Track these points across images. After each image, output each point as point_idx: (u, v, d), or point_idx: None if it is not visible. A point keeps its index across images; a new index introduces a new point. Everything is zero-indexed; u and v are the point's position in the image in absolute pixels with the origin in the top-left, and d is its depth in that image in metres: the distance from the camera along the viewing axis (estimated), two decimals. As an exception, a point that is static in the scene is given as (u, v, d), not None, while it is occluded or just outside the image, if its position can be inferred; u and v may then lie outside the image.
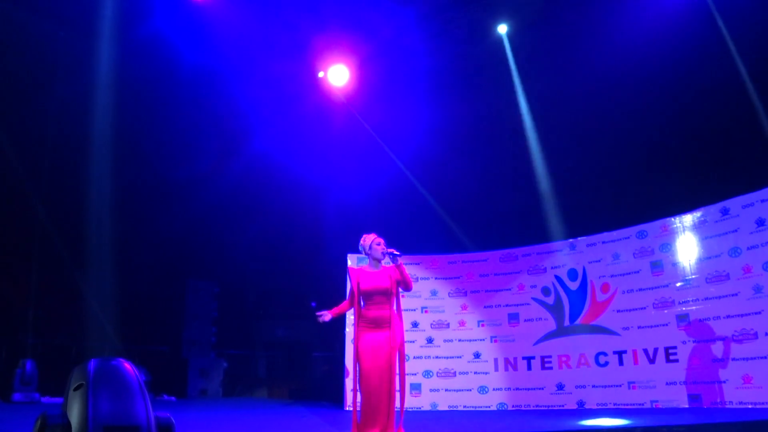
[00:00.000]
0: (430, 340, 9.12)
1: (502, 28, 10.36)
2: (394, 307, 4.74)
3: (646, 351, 7.75)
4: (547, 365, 8.57)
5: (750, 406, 6.58)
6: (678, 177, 8.66)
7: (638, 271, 8.06)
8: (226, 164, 11.62)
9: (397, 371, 4.65)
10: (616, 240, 8.39)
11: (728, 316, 7.01)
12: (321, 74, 11.00)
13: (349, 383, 8.23)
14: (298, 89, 11.22)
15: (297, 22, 9.84)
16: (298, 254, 12.08)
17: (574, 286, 8.62)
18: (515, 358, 8.79)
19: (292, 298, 12.70)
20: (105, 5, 9.41)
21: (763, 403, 6.49)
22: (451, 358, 9.01)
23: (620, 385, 7.88)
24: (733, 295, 7.03)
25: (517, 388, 8.66)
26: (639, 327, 7.88)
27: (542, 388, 8.49)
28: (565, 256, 8.80)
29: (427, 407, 8.77)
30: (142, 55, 10.04)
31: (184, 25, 9.72)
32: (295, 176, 11.55)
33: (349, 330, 8.57)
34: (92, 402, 2.54)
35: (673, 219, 7.88)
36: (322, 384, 11.58)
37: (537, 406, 8.41)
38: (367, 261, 4.96)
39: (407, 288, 4.87)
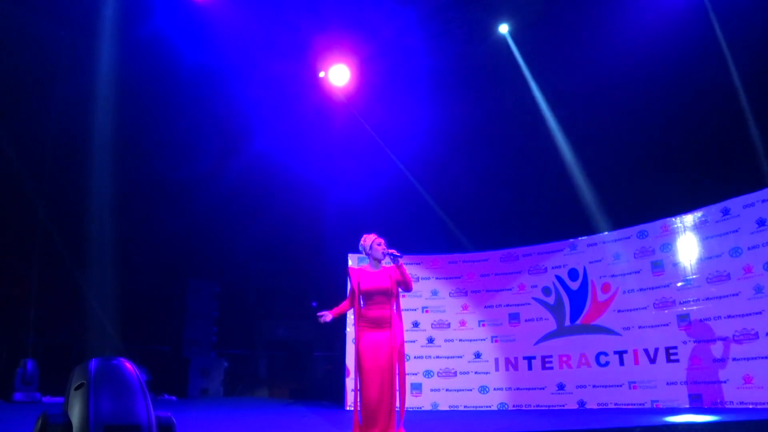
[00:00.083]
0: (430, 340, 9.12)
1: (503, 28, 10.36)
2: (394, 307, 4.75)
3: (646, 351, 7.75)
4: (547, 365, 8.57)
5: (751, 406, 6.58)
6: (679, 177, 8.66)
7: (639, 271, 8.06)
8: (227, 164, 11.62)
9: (397, 371, 4.65)
10: (617, 240, 8.39)
11: (729, 316, 7.01)
12: (322, 74, 11.00)
13: (349, 383, 8.24)
14: (299, 89, 11.23)
15: (298, 22, 9.84)
16: (299, 254, 12.09)
17: (574, 286, 8.62)
18: (516, 358, 8.79)
19: (292, 298, 12.70)
20: (106, 5, 9.42)
21: (763, 403, 6.49)
22: (451, 357, 9.01)
23: (621, 385, 7.88)
24: (733, 295, 7.03)
25: (518, 388, 8.66)
26: (640, 327, 7.88)
27: (543, 388, 8.50)
28: (565, 256, 8.80)
29: (427, 407, 8.78)
30: (142, 54, 10.04)
31: (184, 25, 9.72)
32: (296, 176, 11.55)
33: (350, 330, 8.58)
34: (93, 401, 2.54)
35: (673, 219, 7.88)
36: (322, 384, 11.58)
37: (538, 406, 8.41)
38: (367, 261, 4.97)
39: (407, 288, 4.88)
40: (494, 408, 8.62)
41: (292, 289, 12.62)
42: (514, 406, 8.58)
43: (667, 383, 7.46)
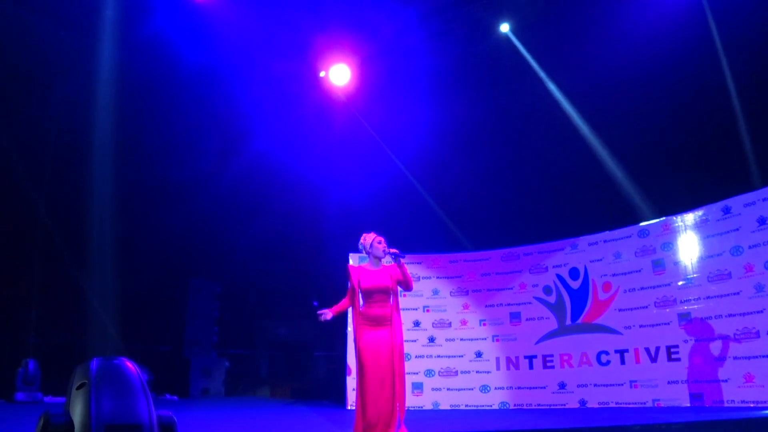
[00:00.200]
0: (431, 339, 9.12)
1: (504, 27, 10.35)
2: (394, 306, 4.78)
3: (647, 350, 7.75)
4: (548, 364, 8.57)
5: (752, 405, 6.58)
6: (679, 175, 8.66)
7: (640, 270, 8.06)
8: (228, 164, 11.64)
9: (397, 370, 4.66)
10: (618, 239, 8.38)
11: (730, 315, 7.01)
12: (322, 74, 11.00)
13: (350, 382, 8.25)
14: (300, 89, 11.23)
15: (298, 22, 9.84)
16: (300, 254, 12.09)
17: (575, 285, 8.62)
18: (517, 357, 8.79)
19: (293, 298, 12.70)
20: (106, 5, 9.43)
21: (764, 402, 6.49)
22: (452, 357, 9.01)
23: (622, 384, 7.88)
24: (734, 293, 7.02)
25: (519, 387, 8.66)
26: (641, 326, 7.87)
27: (544, 387, 8.50)
28: (566, 255, 8.80)
29: (429, 406, 8.78)
30: (143, 55, 10.06)
31: (185, 25, 9.73)
32: (297, 176, 11.56)
33: (351, 329, 8.58)
34: (95, 401, 2.55)
35: (674, 218, 7.87)
36: (324, 383, 11.60)
37: (539, 405, 8.41)
38: (367, 260, 4.99)
39: (408, 288, 4.90)
40: (495, 407, 8.62)
41: (293, 288, 12.61)
42: (515, 405, 8.58)
43: (668, 382, 7.46)
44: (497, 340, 8.96)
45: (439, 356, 9.04)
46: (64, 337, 10.13)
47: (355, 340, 4.80)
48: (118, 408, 2.57)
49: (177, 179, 11.10)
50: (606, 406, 7.90)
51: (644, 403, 7.59)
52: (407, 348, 8.07)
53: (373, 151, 11.33)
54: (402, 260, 4.78)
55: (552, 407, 8.27)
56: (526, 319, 8.87)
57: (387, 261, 4.94)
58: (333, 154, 11.58)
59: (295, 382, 12.43)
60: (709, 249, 7.41)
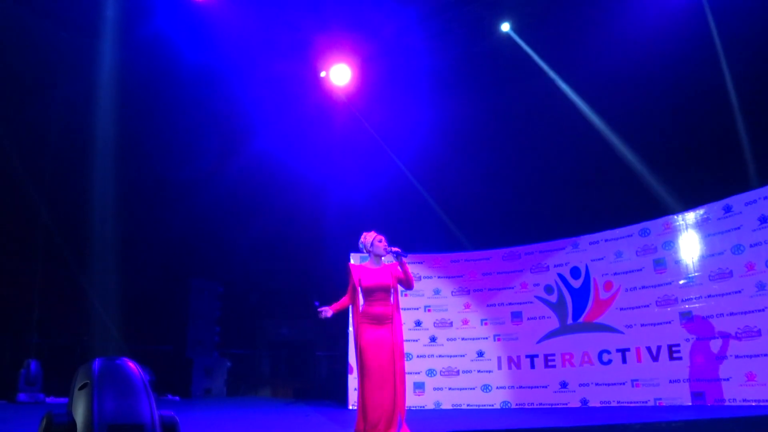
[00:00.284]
0: (433, 339, 9.13)
1: (505, 27, 10.35)
2: (395, 304, 4.80)
3: (649, 349, 7.75)
4: (550, 363, 8.57)
5: (753, 404, 6.58)
6: (680, 174, 8.65)
7: (641, 269, 8.06)
8: (229, 164, 11.64)
9: (398, 368, 4.68)
10: (619, 238, 8.38)
11: (731, 314, 7.01)
12: (323, 74, 11.00)
13: (352, 381, 8.25)
14: (300, 89, 11.23)
15: (299, 22, 9.85)
16: (301, 253, 12.09)
17: (576, 284, 8.62)
18: (518, 357, 8.80)
19: (295, 298, 12.69)
20: (107, 6, 9.43)
21: (766, 401, 6.49)
22: (454, 356, 9.02)
23: (624, 383, 7.88)
24: (736, 292, 7.02)
25: (521, 387, 8.67)
26: (642, 325, 7.88)
27: (546, 387, 8.50)
28: (567, 254, 8.80)
29: (430, 406, 8.78)
30: (144, 55, 10.06)
31: (185, 25, 9.74)
32: (298, 176, 11.56)
33: (352, 329, 8.59)
34: (97, 401, 2.55)
35: (675, 216, 7.88)
36: (326, 383, 11.60)
37: (540, 404, 8.41)
38: (368, 259, 5.01)
39: (409, 286, 4.92)
40: (497, 407, 8.62)
41: (294, 288, 12.61)
42: (516, 404, 8.58)
43: (670, 381, 7.46)
44: (499, 340, 8.97)
45: (440, 356, 9.05)
46: (65, 338, 10.14)
47: (356, 339, 4.81)
48: (121, 408, 2.58)
49: (178, 179, 11.11)
50: (608, 405, 7.90)
51: (646, 402, 7.60)
52: (408, 348, 8.08)
53: (373, 151, 11.34)
54: (404, 259, 4.82)
55: (554, 406, 8.28)
56: (528, 319, 8.88)
57: (387, 259, 4.96)
58: (334, 154, 11.58)
59: (296, 382, 12.44)
60: (711, 248, 7.41)
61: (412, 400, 8.57)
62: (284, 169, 11.54)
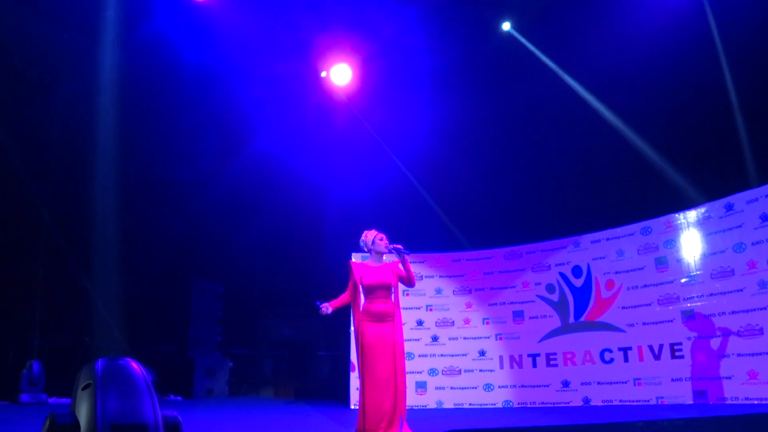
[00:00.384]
0: (435, 338, 9.13)
1: (506, 26, 10.34)
2: (396, 302, 4.81)
3: (651, 347, 7.74)
4: (552, 362, 8.57)
5: (756, 402, 6.57)
6: (682, 173, 8.65)
7: (643, 268, 8.05)
8: (230, 164, 11.65)
9: (399, 366, 4.68)
10: (621, 236, 8.38)
11: (733, 312, 7.01)
12: (323, 74, 11.01)
13: (354, 381, 8.25)
14: (301, 89, 11.24)
15: (299, 22, 9.85)
16: (302, 253, 12.11)
17: (578, 283, 8.62)
18: (520, 356, 8.80)
19: (296, 298, 12.71)
20: (108, 7, 9.45)
21: (768, 399, 6.49)
22: (456, 356, 9.02)
23: (626, 382, 7.88)
24: (738, 290, 7.02)
25: (523, 386, 8.67)
26: (644, 323, 7.87)
27: (547, 386, 8.50)
28: (569, 253, 8.80)
29: (432, 405, 8.78)
30: (144, 55, 10.07)
31: (186, 25, 9.75)
32: (298, 176, 11.58)
33: (354, 328, 8.59)
34: (100, 401, 2.56)
35: (677, 215, 7.87)
36: (327, 383, 11.61)
37: (542, 403, 8.41)
38: (368, 257, 5.03)
39: (410, 284, 4.93)
40: (499, 406, 8.62)
41: (295, 288, 12.62)
42: (518, 403, 8.58)
43: (672, 379, 7.46)
44: (500, 339, 8.97)
45: (442, 355, 9.05)
46: (67, 339, 10.15)
47: (358, 336, 4.82)
48: (124, 408, 2.58)
49: (179, 180, 11.12)
50: (610, 404, 7.90)
51: (648, 401, 7.59)
52: (410, 347, 8.08)
53: (374, 150, 11.34)
54: (406, 256, 4.83)
55: (556, 405, 8.27)
56: (530, 318, 8.88)
57: (388, 258, 4.98)
58: (334, 154, 11.59)
59: (298, 382, 12.45)
60: (712, 246, 7.41)
61: (414, 400, 8.58)
62: (285, 169, 11.55)
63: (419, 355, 8.96)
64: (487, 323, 9.08)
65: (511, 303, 9.04)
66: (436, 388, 8.91)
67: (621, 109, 9.48)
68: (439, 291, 9.32)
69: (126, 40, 9.72)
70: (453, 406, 8.74)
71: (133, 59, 10.05)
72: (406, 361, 4.96)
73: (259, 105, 11.12)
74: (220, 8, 9.72)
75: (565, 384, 8.38)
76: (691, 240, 7.65)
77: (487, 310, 9.13)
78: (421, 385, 8.86)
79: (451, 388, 8.89)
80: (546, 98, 10.31)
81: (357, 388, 4.83)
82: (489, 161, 10.72)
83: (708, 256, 7.43)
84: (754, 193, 7.10)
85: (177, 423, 2.76)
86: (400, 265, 4.92)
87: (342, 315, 5.13)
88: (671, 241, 7.84)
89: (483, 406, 8.64)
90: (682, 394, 7.31)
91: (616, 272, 8.29)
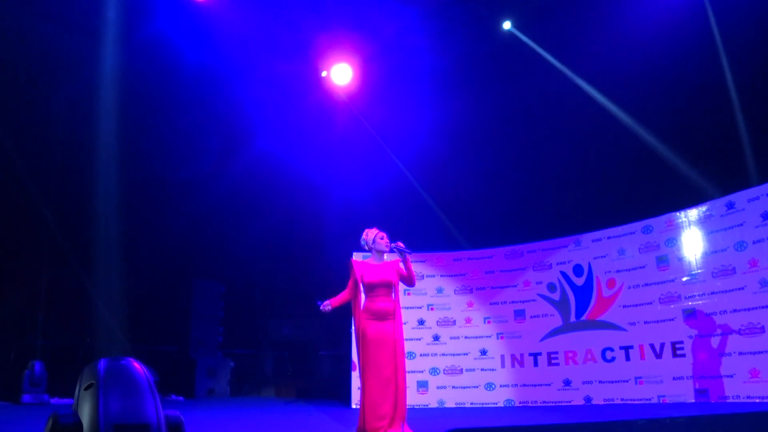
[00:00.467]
0: (436, 338, 9.13)
1: (507, 25, 10.34)
2: (396, 300, 4.82)
3: (652, 346, 7.75)
4: (553, 361, 8.57)
5: (757, 400, 6.57)
6: (683, 171, 8.64)
7: (644, 266, 8.06)
8: (231, 164, 11.65)
9: (399, 365, 4.69)
10: (622, 235, 8.38)
11: (734, 311, 7.01)
12: (324, 73, 11.00)
13: (355, 379, 8.26)
14: (302, 88, 11.24)
15: (300, 22, 9.86)
16: (303, 253, 12.11)
17: (579, 281, 8.62)
18: (522, 355, 8.80)
19: (297, 297, 12.72)
20: (108, 7, 9.46)
21: (770, 397, 6.49)
22: (457, 355, 9.02)
23: (627, 381, 7.88)
24: (739, 289, 7.02)
25: (524, 385, 8.67)
26: (645, 322, 7.87)
27: (549, 384, 8.50)
28: (570, 252, 8.80)
29: (434, 404, 8.79)
30: (145, 56, 10.08)
31: (186, 25, 9.75)
32: (299, 176, 11.58)
33: (355, 326, 8.60)
34: (103, 401, 2.56)
35: (678, 213, 7.87)
36: (329, 382, 11.60)
37: (544, 402, 8.41)
38: (369, 256, 5.04)
39: (411, 283, 4.94)
40: (501, 405, 8.63)
41: (296, 288, 12.63)
42: (520, 402, 8.59)
43: (674, 378, 7.46)
44: (502, 338, 8.97)
45: (443, 354, 9.05)
46: (69, 339, 10.16)
47: (358, 335, 4.83)
48: (126, 408, 2.59)
49: (180, 180, 11.13)
50: (611, 402, 7.90)
51: (649, 400, 7.60)
52: (412, 346, 8.08)
53: (375, 150, 11.34)
54: (407, 255, 4.84)
55: (557, 404, 8.28)
56: (531, 317, 8.88)
57: (389, 256, 4.99)
58: (335, 154, 11.59)
59: (299, 382, 12.45)
60: (713, 244, 7.41)
61: (415, 399, 8.59)
62: (286, 168, 11.55)
63: (421, 355, 8.97)
64: (489, 322, 9.09)
65: (513, 302, 9.04)
66: (438, 388, 8.91)
67: (621, 108, 9.47)
68: (440, 290, 9.32)
69: (127, 40, 9.72)
70: (454, 406, 8.74)
71: (134, 60, 10.06)
72: (408, 361, 4.97)
73: (260, 105, 11.13)
74: (221, 8, 9.72)
75: (567, 383, 8.38)
76: (692, 238, 7.65)
77: (489, 309, 9.13)
78: (422, 385, 8.87)
79: (453, 387, 8.89)
80: (546, 98, 10.31)
81: (358, 388, 4.84)
82: (490, 160, 10.71)
83: (709, 255, 7.43)
84: (755, 192, 7.09)
85: (179, 423, 2.76)
86: (401, 264, 4.93)
87: (343, 314, 5.14)
88: (672, 240, 7.84)
89: (484, 405, 8.64)
90: (684, 393, 7.31)
91: (618, 271, 8.29)
